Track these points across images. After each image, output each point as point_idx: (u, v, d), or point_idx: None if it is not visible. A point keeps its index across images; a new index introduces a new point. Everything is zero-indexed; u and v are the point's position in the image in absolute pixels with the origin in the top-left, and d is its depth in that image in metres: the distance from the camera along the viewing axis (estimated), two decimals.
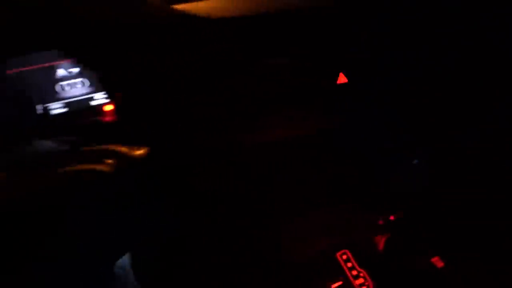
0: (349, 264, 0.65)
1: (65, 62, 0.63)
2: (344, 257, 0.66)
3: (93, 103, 0.66)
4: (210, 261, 0.60)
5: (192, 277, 0.56)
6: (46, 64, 0.62)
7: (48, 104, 0.64)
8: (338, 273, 0.63)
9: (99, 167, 0.27)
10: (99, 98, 0.66)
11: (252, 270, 0.62)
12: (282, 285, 0.62)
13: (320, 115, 0.63)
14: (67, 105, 0.65)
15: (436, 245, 0.60)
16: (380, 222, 0.62)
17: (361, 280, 0.62)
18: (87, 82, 0.65)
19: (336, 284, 0.61)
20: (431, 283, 0.61)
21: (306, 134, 0.62)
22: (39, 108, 0.63)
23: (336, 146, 0.65)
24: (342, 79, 0.60)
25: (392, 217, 0.62)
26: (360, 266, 0.64)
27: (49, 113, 0.64)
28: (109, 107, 0.67)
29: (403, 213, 0.61)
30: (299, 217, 0.69)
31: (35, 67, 0.61)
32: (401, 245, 0.61)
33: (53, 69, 0.63)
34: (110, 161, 0.29)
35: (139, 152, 0.31)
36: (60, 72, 0.63)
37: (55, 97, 0.64)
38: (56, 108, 0.65)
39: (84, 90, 0.65)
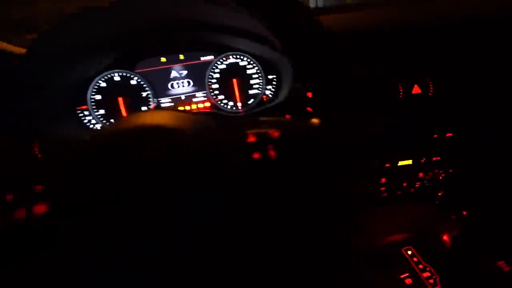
0: (415, 259, 0.70)
1: (177, 65, 0.77)
2: (409, 252, 0.71)
3: (195, 99, 0.79)
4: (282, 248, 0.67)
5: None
6: (163, 67, 0.76)
7: (160, 99, 0.78)
8: (406, 266, 0.69)
9: (277, 128, 0.37)
10: (200, 96, 0.79)
11: (324, 260, 0.68)
12: (353, 274, 0.68)
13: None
14: (172, 100, 0.79)
15: (502, 248, 0.64)
16: (453, 216, 0.67)
17: (427, 274, 0.66)
18: (191, 82, 0.78)
19: (404, 275, 0.67)
20: (496, 285, 0.65)
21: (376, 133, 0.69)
22: (154, 101, 0.76)
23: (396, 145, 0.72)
24: (416, 90, 0.69)
25: (465, 213, 0.67)
26: (425, 261, 0.69)
27: (160, 106, 0.78)
28: (207, 104, 0.79)
29: (472, 211, 0.65)
30: (368, 211, 0.76)
31: (156, 68, 0.76)
32: (468, 243, 0.66)
33: (168, 71, 0.77)
34: (284, 126, 0.39)
35: (315, 121, 0.40)
36: (173, 73, 0.77)
37: (166, 93, 0.78)
38: (165, 102, 0.78)
39: (189, 89, 0.79)
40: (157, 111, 0.39)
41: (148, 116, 0.37)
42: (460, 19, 0.63)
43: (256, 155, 0.36)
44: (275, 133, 0.37)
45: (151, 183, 0.35)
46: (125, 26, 0.65)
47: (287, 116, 0.51)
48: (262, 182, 0.37)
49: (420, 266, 0.68)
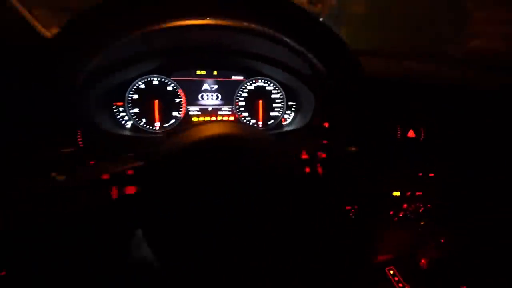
0: (396, 278, 0.81)
1: (210, 80, 0.85)
2: (392, 272, 0.82)
3: (220, 112, 0.87)
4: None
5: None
6: (197, 78, 0.84)
7: (189, 107, 0.85)
8: (388, 284, 0.79)
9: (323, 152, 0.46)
10: (225, 110, 0.87)
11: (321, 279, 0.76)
12: None
13: None
14: (200, 110, 0.86)
15: (467, 274, 0.77)
16: (432, 243, 0.79)
17: None
18: (219, 96, 0.87)
19: None
20: None
21: None
22: (188, 108, 0.83)
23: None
24: (411, 133, 0.83)
25: (442, 240, 0.79)
26: (405, 280, 0.80)
27: (188, 113, 0.84)
28: (231, 118, 0.87)
29: (448, 239, 0.78)
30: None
31: (190, 78, 0.83)
32: (442, 267, 0.78)
33: (201, 83, 0.85)
34: (329, 149, 0.48)
35: (352, 148, 0.49)
36: (205, 86, 0.85)
37: (196, 103, 0.85)
38: (194, 111, 0.85)
39: (216, 102, 0.87)
40: (226, 122, 0.47)
41: (219, 126, 0.44)
42: (453, 84, 0.79)
43: (307, 170, 0.45)
44: (323, 155, 0.47)
45: (215, 183, 0.42)
46: (174, 43, 0.73)
47: (325, 142, 0.61)
48: (308, 191, 0.46)
49: (400, 285, 0.79)
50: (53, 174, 0.37)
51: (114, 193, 0.38)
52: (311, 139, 0.72)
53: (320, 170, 0.46)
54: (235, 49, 0.80)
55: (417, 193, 0.90)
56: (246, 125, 0.62)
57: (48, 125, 0.55)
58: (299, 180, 0.44)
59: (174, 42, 0.73)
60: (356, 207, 0.63)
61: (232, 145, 0.42)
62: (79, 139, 0.63)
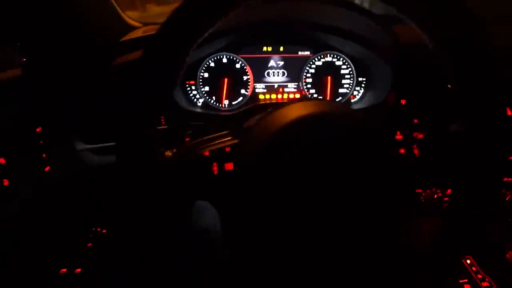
0: (474, 268, 0.75)
1: (276, 56, 0.83)
2: (468, 261, 0.77)
3: (286, 89, 0.86)
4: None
5: None
6: (264, 55, 0.83)
7: (256, 84, 0.85)
8: (464, 273, 0.74)
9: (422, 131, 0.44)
10: (291, 87, 0.85)
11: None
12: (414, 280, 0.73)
13: None
14: (266, 87, 0.85)
15: None
16: None
17: (487, 284, 0.72)
18: (286, 73, 0.85)
19: (463, 280, 0.72)
20: None
21: None
22: (254, 85, 0.84)
23: None
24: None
25: None
26: (484, 271, 0.74)
27: (255, 91, 0.85)
28: (297, 95, 0.86)
29: None
30: (431, 218, 0.81)
31: (257, 55, 0.82)
32: None
33: (267, 60, 0.83)
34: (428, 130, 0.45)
35: (456, 127, 0.45)
36: (271, 62, 0.84)
37: (262, 80, 0.85)
38: (260, 88, 0.85)
39: (282, 79, 0.85)
40: (313, 101, 0.46)
41: (310, 105, 0.43)
42: None
43: (402, 151, 0.42)
44: (420, 135, 0.43)
45: (311, 166, 0.40)
46: (244, 19, 0.72)
47: (415, 121, 0.57)
48: (402, 174, 0.43)
49: (479, 276, 0.73)
50: (163, 150, 0.40)
51: (215, 169, 0.40)
52: (386, 117, 0.68)
53: (416, 151, 0.43)
54: (305, 22, 0.76)
55: (506, 179, 0.80)
56: (335, 102, 0.59)
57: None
58: (393, 161, 0.42)
59: (245, 18, 0.72)
60: (448, 191, 0.58)
61: (326, 124, 0.40)
62: (162, 118, 0.68)
